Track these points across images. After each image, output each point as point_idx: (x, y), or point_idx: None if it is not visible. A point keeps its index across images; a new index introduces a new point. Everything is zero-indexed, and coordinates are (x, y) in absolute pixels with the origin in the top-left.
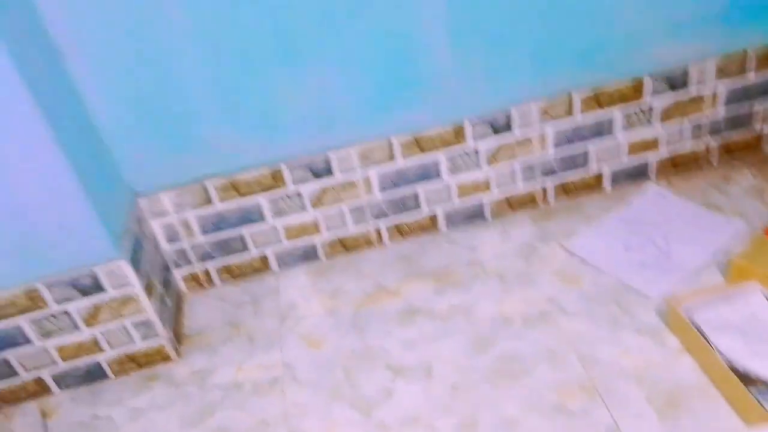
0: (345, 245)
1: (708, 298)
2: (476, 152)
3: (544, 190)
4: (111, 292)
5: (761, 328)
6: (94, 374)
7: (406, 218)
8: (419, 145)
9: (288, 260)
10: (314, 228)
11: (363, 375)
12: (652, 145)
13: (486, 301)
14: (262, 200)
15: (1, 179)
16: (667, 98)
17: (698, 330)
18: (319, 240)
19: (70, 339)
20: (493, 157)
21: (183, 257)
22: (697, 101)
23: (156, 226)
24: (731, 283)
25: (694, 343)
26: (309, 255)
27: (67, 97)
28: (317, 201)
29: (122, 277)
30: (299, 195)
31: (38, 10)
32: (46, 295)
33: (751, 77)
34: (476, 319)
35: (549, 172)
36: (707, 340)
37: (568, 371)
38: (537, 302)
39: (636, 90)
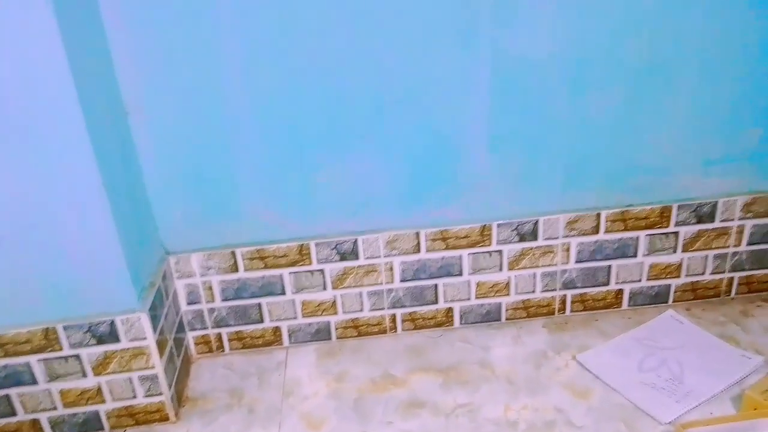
0: (358, 329)
1: (718, 429)
2: (500, 254)
3: (563, 300)
4: (125, 343)
5: None
6: (91, 424)
7: (422, 309)
8: (445, 240)
9: (300, 336)
10: (331, 307)
11: None
12: (673, 271)
13: (492, 403)
14: (286, 274)
15: (47, 218)
16: (693, 228)
17: None
18: (333, 320)
19: (76, 384)
20: (515, 262)
21: (199, 320)
22: (722, 235)
23: (180, 286)
24: (743, 416)
25: None
26: (321, 333)
27: (123, 151)
28: (338, 281)
29: (139, 330)
30: (322, 273)
31: (114, 63)
32: (63, 336)
33: None
34: (480, 419)
35: (569, 283)
36: None
37: None
38: (544, 411)
39: (663, 216)
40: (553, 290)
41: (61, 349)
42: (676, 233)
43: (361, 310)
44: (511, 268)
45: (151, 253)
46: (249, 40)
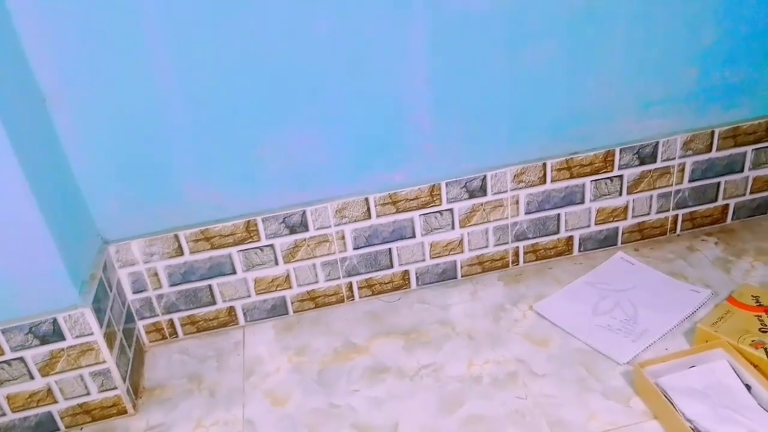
0: (315, 300)
1: (674, 364)
2: (451, 213)
3: (516, 252)
4: (70, 341)
5: (726, 394)
6: (45, 426)
7: (378, 275)
8: (395, 203)
9: (256, 314)
10: (285, 282)
11: None
12: (620, 213)
13: (455, 361)
14: (234, 252)
15: None
16: (636, 170)
17: (664, 394)
18: (289, 294)
19: (23, 388)
20: (466, 219)
21: (148, 307)
22: (664, 174)
23: (123, 275)
24: (697, 349)
25: (660, 408)
26: (278, 309)
27: (46, 141)
28: (290, 255)
29: (84, 326)
30: (272, 248)
31: (26, 52)
32: (2, 340)
33: (716, 153)
34: (445, 378)
35: (520, 235)
36: (673, 405)
37: None
38: (506, 363)
39: (607, 161)
40: (505, 243)
41: (2, 353)
42: (620, 176)
43: (317, 282)
44: (462, 226)
45: (88, 244)
46: (175, 15)
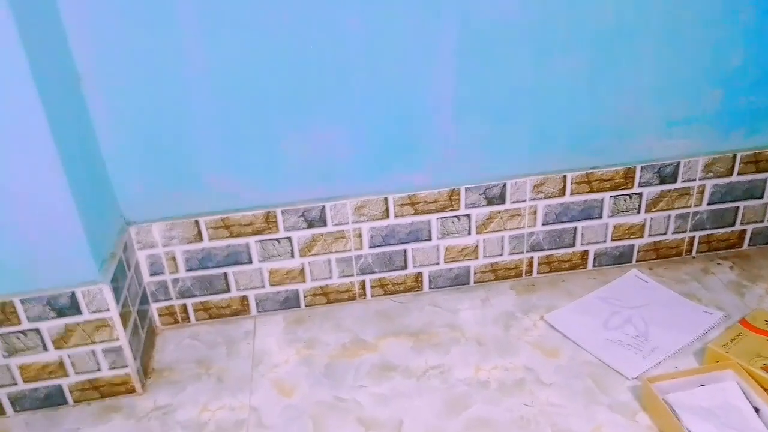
0: (327, 296)
1: (683, 382)
2: (468, 218)
3: (530, 262)
4: (87, 316)
5: (734, 415)
6: (54, 399)
7: (392, 275)
8: (414, 205)
9: (268, 305)
10: (299, 275)
11: (332, 426)
12: (637, 231)
13: (463, 365)
14: (252, 242)
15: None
16: (656, 189)
17: (672, 411)
18: (302, 287)
19: (36, 359)
20: (483, 225)
21: (163, 291)
22: (683, 195)
23: (142, 257)
24: (707, 369)
25: (666, 424)
26: (290, 301)
27: (79, 119)
28: (306, 249)
29: (101, 302)
30: (289, 240)
31: (65, 29)
32: (21, 310)
33: (737, 177)
34: (451, 380)
35: (536, 245)
36: (680, 422)
37: None
38: (514, 370)
39: (627, 178)
40: (520, 253)
41: (19, 323)
42: (639, 194)
43: (330, 277)
44: (479, 232)
45: (110, 224)
46: (208, 4)
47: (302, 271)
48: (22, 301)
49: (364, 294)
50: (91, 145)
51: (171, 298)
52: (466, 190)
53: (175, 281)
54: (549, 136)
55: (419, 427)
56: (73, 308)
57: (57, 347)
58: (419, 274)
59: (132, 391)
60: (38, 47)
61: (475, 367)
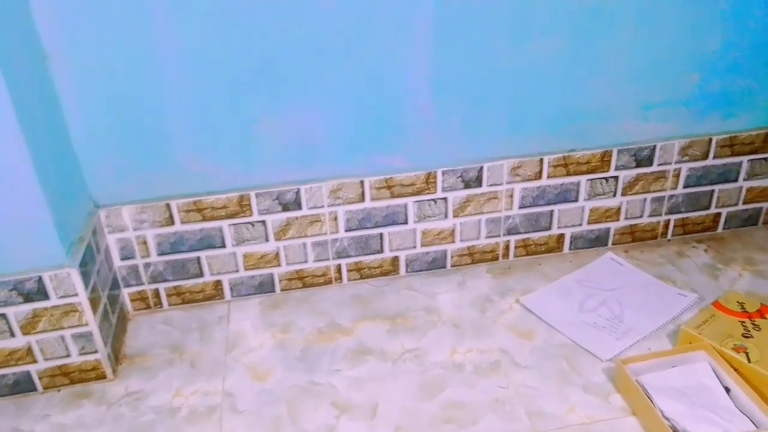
0: (303, 280)
1: (656, 363)
2: (445, 202)
3: (507, 246)
4: (54, 300)
5: (705, 395)
6: (22, 385)
7: (368, 259)
8: (390, 188)
9: (242, 289)
10: (274, 259)
11: (307, 410)
12: (613, 214)
13: (439, 348)
14: (225, 226)
15: None
16: (632, 172)
17: (644, 392)
18: (277, 272)
19: (3, 345)
20: (460, 209)
21: (134, 275)
22: (659, 178)
23: (112, 241)
24: (680, 350)
25: (639, 405)
26: (265, 286)
27: (45, 99)
28: (281, 233)
29: (69, 286)
30: (264, 224)
31: (31, 9)
32: None
33: (712, 161)
34: (427, 363)
35: (512, 229)
36: (652, 402)
37: (514, 423)
38: (489, 352)
39: (604, 161)
40: (497, 236)
41: None
42: (616, 177)
43: (306, 261)
44: (456, 216)
45: (79, 206)
46: None
47: (277, 255)
48: None
49: (340, 278)
50: (59, 126)
51: (143, 283)
52: (443, 173)
53: (147, 265)
54: (526, 118)
55: (394, 410)
56: (41, 293)
57: (25, 333)
58: (396, 258)
59: (103, 377)
60: (2, 27)
61: (451, 350)
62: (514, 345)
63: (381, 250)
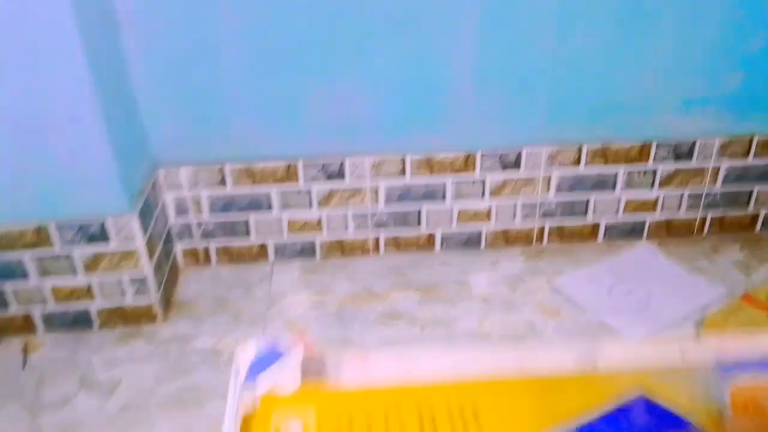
0: (342, 248)
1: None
2: (483, 183)
3: (541, 230)
4: (115, 244)
5: None
6: (81, 321)
7: (405, 233)
8: (430, 166)
9: (286, 253)
10: (317, 226)
11: None
12: (650, 206)
13: (467, 318)
14: (273, 191)
15: (40, 121)
16: (670, 166)
17: None
18: (318, 238)
19: (67, 282)
20: (497, 191)
21: (187, 232)
22: (698, 174)
23: (168, 198)
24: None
25: None
26: (306, 251)
27: (116, 63)
28: (324, 201)
29: (129, 232)
30: (309, 193)
31: None
32: (55, 235)
33: (753, 161)
34: (455, 331)
35: (548, 214)
36: None
37: None
38: (516, 325)
39: (642, 153)
40: (532, 220)
41: (52, 246)
42: (654, 170)
43: (346, 231)
44: (492, 197)
45: (141, 163)
46: None
47: (319, 222)
48: (57, 227)
49: (378, 249)
50: (127, 89)
51: (194, 239)
52: (482, 155)
53: (199, 224)
54: (567, 107)
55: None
56: (103, 236)
57: (87, 272)
58: (432, 235)
59: (153, 320)
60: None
61: (479, 321)
62: (541, 321)
63: (418, 225)
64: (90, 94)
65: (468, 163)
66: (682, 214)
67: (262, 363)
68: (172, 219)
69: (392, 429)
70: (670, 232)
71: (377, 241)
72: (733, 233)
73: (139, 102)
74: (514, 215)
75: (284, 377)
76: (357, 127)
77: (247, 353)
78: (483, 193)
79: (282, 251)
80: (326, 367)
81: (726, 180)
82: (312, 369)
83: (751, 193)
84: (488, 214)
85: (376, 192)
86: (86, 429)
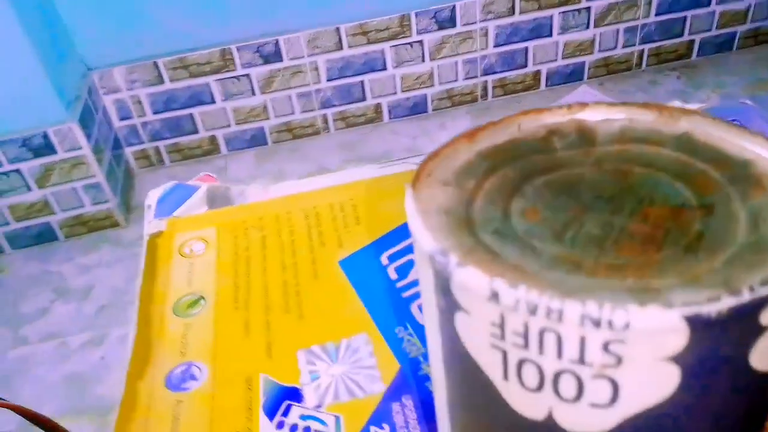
0: (292, 131)
1: None
2: (421, 45)
3: (484, 86)
4: (61, 154)
5: None
6: (45, 235)
7: (352, 108)
8: (365, 34)
9: (236, 143)
10: (263, 112)
11: None
12: (587, 47)
13: None
14: (212, 82)
15: None
16: (604, 2)
17: None
18: (267, 124)
19: (23, 198)
20: (436, 51)
21: (134, 134)
22: (631, 7)
23: (108, 102)
24: None
25: None
26: (257, 139)
27: None
28: (266, 85)
29: (73, 140)
30: (248, 77)
31: None
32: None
33: None
34: None
35: (489, 69)
36: None
37: None
38: None
39: None
40: (474, 77)
41: (0, 165)
42: (588, 8)
43: (293, 113)
44: (433, 59)
45: (72, 68)
46: None
47: (265, 108)
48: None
49: (327, 128)
50: None
51: (143, 141)
52: (416, 15)
53: (144, 124)
54: None
55: None
56: (48, 148)
57: (40, 186)
58: (378, 105)
59: (116, 224)
60: None
61: None
62: None
63: (363, 98)
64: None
65: (403, 26)
66: (619, 50)
67: (171, 198)
68: (117, 123)
69: (282, 225)
70: (609, 70)
71: (325, 118)
72: (670, 63)
73: (59, 5)
74: (457, 75)
75: (190, 207)
76: (287, 3)
77: (157, 192)
78: (423, 56)
79: (232, 142)
80: (230, 200)
81: (659, 9)
82: (217, 202)
83: (684, 19)
84: (430, 77)
85: (316, 68)
86: (68, 331)
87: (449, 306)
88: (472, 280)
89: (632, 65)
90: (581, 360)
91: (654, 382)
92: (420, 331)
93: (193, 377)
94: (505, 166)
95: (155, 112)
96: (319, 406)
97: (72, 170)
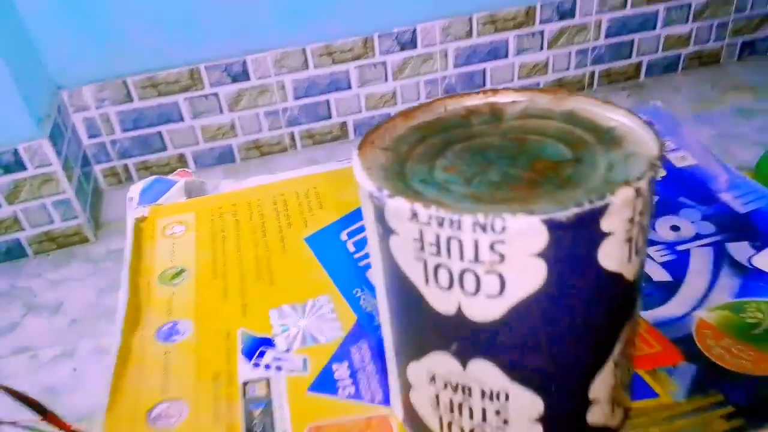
0: (260, 149)
1: None
2: (384, 66)
3: None
4: (31, 171)
5: None
6: (15, 252)
7: (318, 126)
8: (331, 55)
9: (205, 160)
10: (231, 130)
11: None
12: (541, 68)
13: None
14: (181, 100)
15: None
16: (556, 26)
17: None
18: (235, 142)
19: None
20: (399, 71)
21: (103, 152)
22: (582, 30)
23: (77, 120)
24: None
25: None
26: (225, 156)
27: None
28: (234, 103)
29: (43, 157)
30: (216, 96)
31: None
32: None
33: (631, 11)
34: None
35: (449, 89)
36: None
37: None
38: None
39: (528, 16)
40: (435, 94)
41: None
42: (541, 32)
43: (260, 131)
44: (395, 78)
45: (41, 86)
46: None
47: (233, 126)
48: None
49: (295, 145)
50: (10, 10)
51: (112, 159)
52: (379, 36)
53: (113, 142)
54: None
55: None
56: (18, 164)
57: (9, 202)
58: (344, 123)
59: (85, 240)
60: None
61: None
62: None
63: (329, 116)
64: None
65: (367, 47)
66: (572, 71)
67: (152, 191)
68: (86, 140)
69: (254, 210)
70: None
71: (292, 136)
72: (620, 83)
73: (27, 23)
74: (419, 94)
75: (170, 198)
76: (254, 23)
77: (138, 186)
78: (386, 76)
79: (201, 159)
80: (206, 192)
81: (608, 32)
82: (194, 194)
83: (632, 42)
84: (394, 96)
85: (283, 87)
86: (40, 344)
87: (385, 231)
88: (399, 206)
89: (584, 85)
90: (476, 259)
91: (528, 274)
92: (373, 291)
93: (179, 332)
94: (432, 137)
95: (124, 130)
96: (288, 350)
97: (42, 186)
